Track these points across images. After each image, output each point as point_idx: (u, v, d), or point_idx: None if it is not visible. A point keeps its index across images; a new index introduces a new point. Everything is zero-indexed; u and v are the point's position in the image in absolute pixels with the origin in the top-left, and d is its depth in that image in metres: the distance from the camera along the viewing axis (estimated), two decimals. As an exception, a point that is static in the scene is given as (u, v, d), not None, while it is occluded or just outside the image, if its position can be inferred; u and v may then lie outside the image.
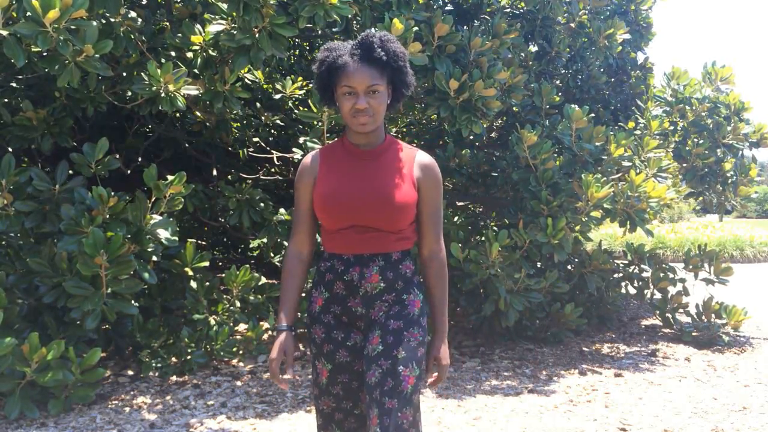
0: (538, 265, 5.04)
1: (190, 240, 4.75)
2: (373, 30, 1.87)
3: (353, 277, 1.83)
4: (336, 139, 1.93)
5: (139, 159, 5.03)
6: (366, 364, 1.81)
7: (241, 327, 4.89)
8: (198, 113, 4.46)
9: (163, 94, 3.54)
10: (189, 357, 4.10)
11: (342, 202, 1.81)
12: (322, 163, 1.88)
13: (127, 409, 3.53)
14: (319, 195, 1.84)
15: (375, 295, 1.84)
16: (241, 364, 4.39)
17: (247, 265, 4.44)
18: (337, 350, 1.88)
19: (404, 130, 6.69)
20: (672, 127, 5.82)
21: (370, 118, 1.77)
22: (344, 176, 1.84)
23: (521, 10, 5.75)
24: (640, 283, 5.67)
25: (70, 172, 3.80)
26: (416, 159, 1.88)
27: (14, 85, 4.20)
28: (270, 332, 5.11)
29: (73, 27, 2.99)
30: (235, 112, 4.32)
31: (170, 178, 3.65)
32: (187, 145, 5.28)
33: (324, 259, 1.91)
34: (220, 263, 7.05)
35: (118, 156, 3.95)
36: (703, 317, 5.35)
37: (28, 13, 2.83)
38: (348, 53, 1.77)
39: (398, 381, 1.74)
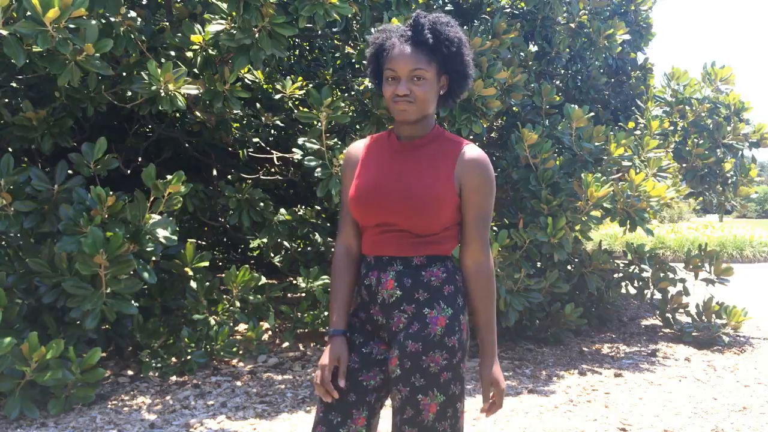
0: (538, 265, 5.04)
1: (190, 240, 4.75)
2: (423, 12, 1.67)
3: (372, 281, 1.67)
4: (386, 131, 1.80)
5: (139, 159, 5.03)
6: (390, 383, 1.66)
7: (241, 327, 4.88)
8: (198, 113, 4.46)
9: (163, 94, 3.54)
10: (189, 357, 4.10)
11: (365, 196, 1.66)
12: (364, 154, 1.73)
13: (127, 409, 3.53)
14: (355, 186, 1.69)
15: (392, 304, 1.65)
16: (241, 364, 4.39)
17: (247, 265, 4.44)
18: (349, 353, 1.68)
19: None
20: (672, 127, 5.83)
21: (411, 105, 1.59)
22: (377, 169, 1.67)
23: (521, 10, 5.76)
24: (640, 283, 5.67)
25: (70, 172, 3.80)
26: (461, 153, 1.64)
27: (14, 85, 4.20)
28: (269, 332, 5.11)
29: (72, 26, 2.99)
30: (235, 112, 4.32)
31: (169, 177, 3.65)
32: (187, 145, 5.28)
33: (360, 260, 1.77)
34: (220, 263, 7.05)
35: (117, 156, 3.95)
36: (703, 317, 5.35)
37: (28, 13, 2.83)
38: (398, 35, 1.63)
39: (417, 410, 1.59)
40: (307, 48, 6.67)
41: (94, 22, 3.10)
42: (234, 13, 3.58)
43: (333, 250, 1.75)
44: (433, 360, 1.59)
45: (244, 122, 5.33)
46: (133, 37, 3.74)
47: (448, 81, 1.67)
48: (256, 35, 3.57)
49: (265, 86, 5.29)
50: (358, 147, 1.76)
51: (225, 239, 7.21)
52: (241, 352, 4.33)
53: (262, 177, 5.42)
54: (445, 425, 1.62)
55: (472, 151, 1.65)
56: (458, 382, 1.63)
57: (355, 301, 1.74)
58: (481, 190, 1.64)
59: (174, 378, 4.06)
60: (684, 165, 5.80)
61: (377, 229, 1.65)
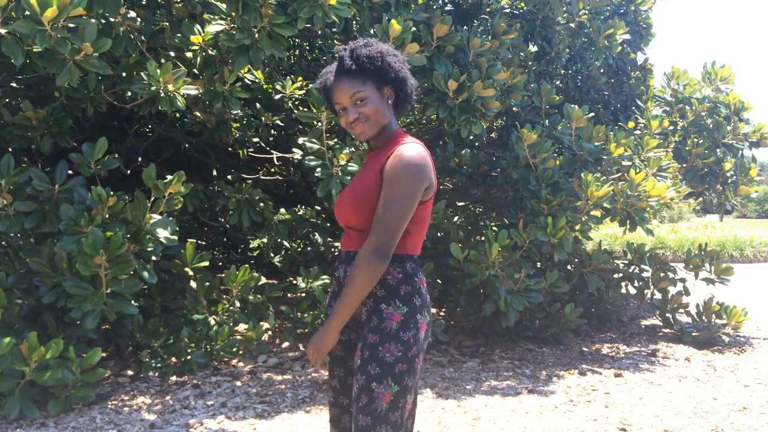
0: (538, 265, 5.04)
1: (190, 240, 4.75)
2: (356, 41, 1.83)
3: (340, 273, 1.87)
4: None
5: (139, 159, 5.03)
6: (352, 374, 1.83)
7: (241, 327, 4.89)
8: (198, 113, 4.46)
9: (162, 94, 3.54)
10: (189, 357, 4.10)
11: (336, 202, 1.90)
12: None
13: (127, 409, 3.53)
14: None
15: (362, 304, 1.79)
16: (241, 364, 4.39)
17: (247, 265, 4.44)
18: (337, 342, 1.87)
19: (404, 130, 6.69)
20: (672, 127, 5.83)
21: (365, 124, 1.78)
22: (353, 178, 1.94)
23: (521, 10, 5.75)
24: (640, 283, 5.67)
25: (70, 172, 3.80)
26: (393, 152, 1.77)
27: (14, 85, 4.20)
28: (269, 332, 5.11)
29: (71, 25, 2.99)
30: (234, 112, 4.32)
31: (169, 177, 3.65)
32: (187, 145, 5.28)
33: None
34: (220, 263, 7.06)
35: (117, 156, 3.95)
36: (703, 317, 5.35)
37: (27, 12, 2.83)
38: (331, 73, 1.85)
39: (371, 398, 1.69)
40: (307, 48, 6.67)
41: (93, 21, 3.10)
42: (233, 14, 3.59)
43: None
44: (388, 351, 1.71)
45: (244, 122, 5.33)
46: (132, 37, 3.74)
47: (392, 89, 1.83)
48: (256, 35, 3.57)
49: (265, 86, 5.29)
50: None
51: (225, 239, 7.21)
52: (241, 352, 4.33)
53: (262, 177, 5.42)
54: (396, 416, 1.71)
55: (400, 148, 1.76)
56: (412, 375, 1.73)
57: (332, 291, 1.93)
58: (390, 180, 1.72)
59: (174, 378, 4.06)
60: (684, 165, 5.80)
61: (345, 229, 1.87)
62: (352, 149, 4.27)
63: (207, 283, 4.34)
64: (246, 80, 4.76)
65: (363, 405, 1.70)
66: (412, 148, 1.75)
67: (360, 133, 1.80)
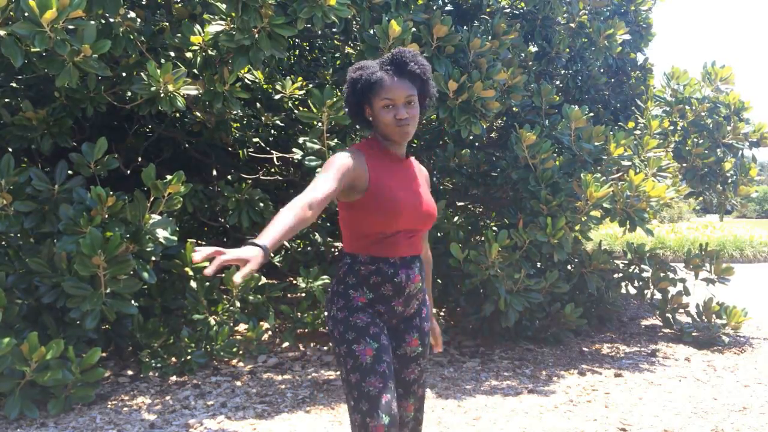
0: (538, 265, 5.04)
1: (189, 240, 4.75)
2: (402, 48, 1.97)
3: (402, 278, 1.93)
4: (365, 140, 2.02)
5: (139, 159, 5.03)
6: (403, 362, 2.01)
7: (241, 327, 4.89)
8: (198, 113, 4.46)
9: (162, 95, 3.54)
10: (189, 357, 4.10)
11: (401, 209, 1.90)
12: (369, 162, 1.91)
13: (127, 409, 3.53)
14: (382, 197, 1.88)
15: (413, 294, 1.99)
16: (241, 364, 4.39)
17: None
18: (381, 334, 1.91)
19: None
20: (672, 127, 5.83)
21: (410, 127, 1.90)
22: (397, 184, 1.94)
23: (521, 11, 5.75)
24: (640, 283, 5.67)
25: (70, 172, 3.80)
26: (422, 169, 2.12)
27: (14, 85, 4.20)
28: (269, 332, 5.12)
29: (71, 27, 2.99)
30: (234, 112, 4.32)
31: (169, 177, 3.65)
32: (186, 145, 5.28)
33: (364, 263, 1.92)
34: (220, 263, 7.04)
35: (117, 156, 3.95)
36: (703, 317, 5.35)
37: (26, 13, 2.83)
38: (380, 69, 1.91)
39: (425, 375, 2.09)
40: (307, 48, 6.67)
41: (92, 22, 3.10)
42: (233, 14, 3.59)
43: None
44: (428, 336, 2.10)
45: (244, 122, 5.33)
46: (132, 37, 3.74)
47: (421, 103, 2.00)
48: (256, 36, 3.57)
49: (265, 86, 5.30)
50: (358, 153, 1.90)
51: (225, 239, 7.20)
52: (241, 352, 4.34)
53: (261, 177, 5.42)
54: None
55: (421, 166, 2.14)
56: None
57: (365, 297, 1.94)
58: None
59: (174, 378, 4.06)
60: (684, 165, 5.80)
61: (402, 235, 1.93)
62: None
63: (207, 283, 4.34)
64: (246, 80, 4.76)
65: (424, 381, 2.07)
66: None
67: (405, 134, 1.91)
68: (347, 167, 1.82)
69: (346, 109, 2.02)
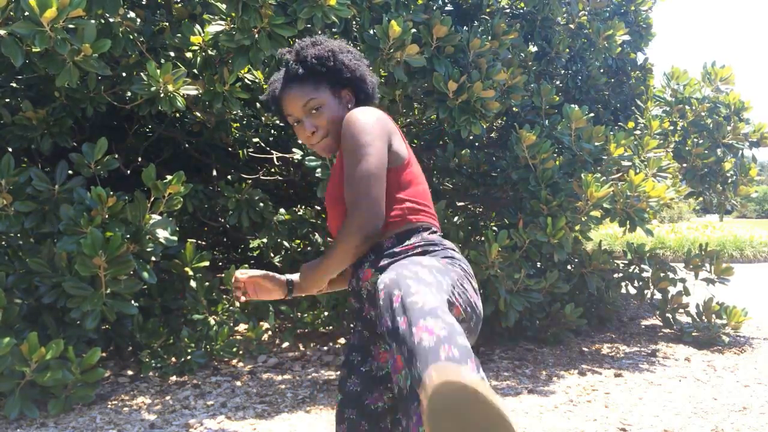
0: (538, 265, 5.04)
1: (189, 240, 4.75)
2: (302, 40, 1.61)
3: (353, 284, 1.56)
4: None
5: (139, 159, 5.03)
6: (367, 384, 1.53)
7: (241, 327, 4.89)
8: (198, 113, 4.46)
9: (162, 95, 3.54)
10: (189, 357, 4.10)
11: (328, 216, 1.65)
12: None
13: (127, 409, 3.53)
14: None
15: (373, 290, 1.50)
16: (241, 364, 4.39)
17: (247, 265, 4.44)
18: (348, 376, 1.54)
19: (404, 130, 6.70)
20: (672, 127, 5.83)
21: (325, 139, 1.56)
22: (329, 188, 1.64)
23: (521, 11, 5.75)
24: (640, 283, 5.67)
25: (70, 172, 3.80)
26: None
27: (14, 85, 4.20)
28: (269, 332, 5.12)
29: (71, 26, 2.99)
30: (234, 112, 4.32)
31: (169, 177, 3.65)
32: (186, 145, 5.28)
33: None
34: (220, 263, 7.05)
35: (117, 156, 3.95)
36: (703, 317, 5.35)
37: (26, 13, 2.83)
38: (279, 81, 1.60)
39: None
40: (307, 48, 6.66)
41: (92, 22, 3.10)
42: (233, 14, 3.59)
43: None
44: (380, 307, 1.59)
45: (244, 122, 5.33)
46: (132, 37, 3.74)
47: (352, 91, 1.61)
48: (256, 36, 3.57)
49: (264, 86, 5.30)
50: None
51: (225, 239, 7.21)
52: (241, 352, 4.34)
53: (261, 177, 5.42)
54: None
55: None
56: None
57: (353, 315, 1.62)
58: (346, 149, 1.48)
59: (174, 378, 4.06)
60: (684, 165, 5.80)
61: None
62: None
63: (207, 283, 4.34)
64: (246, 80, 4.75)
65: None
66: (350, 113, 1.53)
67: (323, 150, 1.57)
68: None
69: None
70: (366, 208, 1.41)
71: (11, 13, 2.98)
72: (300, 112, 1.54)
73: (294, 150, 4.38)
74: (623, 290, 5.87)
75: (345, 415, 1.50)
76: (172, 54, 4.08)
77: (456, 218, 5.35)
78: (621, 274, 5.71)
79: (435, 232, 1.55)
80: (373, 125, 1.46)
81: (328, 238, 5.36)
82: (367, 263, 1.51)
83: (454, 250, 1.54)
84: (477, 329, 1.46)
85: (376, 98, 1.68)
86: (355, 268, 1.55)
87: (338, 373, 1.61)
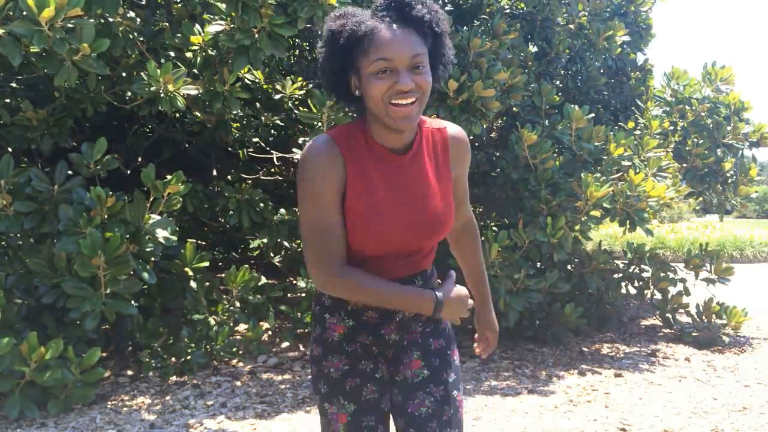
0: (538, 265, 5.03)
1: (189, 240, 4.75)
2: None
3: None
4: (349, 124, 1.42)
5: (139, 159, 5.03)
6: (406, 392, 1.49)
7: (241, 327, 4.89)
8: (198, 113, 4.46)
9: (162, 94, 3.54)
10: (189, 357, 4.10)
11: (386, 227, 1.38)
12: (349, 160, 1.36)
13: (127, 409, 3.53)
14: (356, 212, 1.36)
15: (412, 319, 1.53)
16: (241, 364, 4.39)
17: (247, 265, 4.44)
18: (364, 385, 1.49)
19: None
20: (672, 127, 5.83)
21: (416, 105, 1.29)
22: (388, 191, 1.39)
23: (521, 11, 5.76)
24: (640, 283, 5.67)
25: (69, 172, 3.80)
26: (449, 141, 1.47)
27: (14, 85, 4.20)
28: (269, 332, 5.11)
29: (69, 26, 2.98)
30: (234, 112, 4.32)
31: (169, 177, 3.65)
32: (186, 145, 5.28)
33: None
34: (220, 263, 7.05)
35: (117, 156, 3.95)
36: (704, 317, 5.35)
37: (24, 12, 2.83)
38: (374, 17, 1.29)
39: (456, 409, 1.49)
40: (307, 48, 6.67)
41: (91, 21, 3.10)
42: (233, 14, 3.58)
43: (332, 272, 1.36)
44: (455, 354, 1.59)
45: (244, 122, 5.33)
46: (132, 37, 3.74)
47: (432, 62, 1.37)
48: (256, 36, 3.57)
49: (264, 86, 5.30)
50: (334, 151, 1.35)
51: (225, 239, 7.20)
52: (241, 352, 4.33)
53: (262, 177, 5.42)
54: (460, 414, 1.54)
55: (453, 131, 1.50)
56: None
57: (344, 325, 1.51)
58: (466, 164, 1.55)
59: (174, 378, 4.06)
60: (684, 165, 5.80)
61: (393, 255, 1.44)
62: None
63: (207, 284, 4.34)
64: (246, 80, 4.76)
65: (448, 419, 1.47)
66: (459, 127, 1.53)
67: (406, 117, 1.28)
68: (328, 196, 1.34)
69: (323, 79, 1.37)
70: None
71: (9, 13, 2.97)
72: (404, 61, 1.25)
73: (294, 150, 4.37)
74: (623, 290, 5.86)
75: (363, 423, 1.48)
76: (172, 54, 4.08)
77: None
78: (621, 274, 5.71)
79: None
80: None
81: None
82: (421, 284, 1.53)
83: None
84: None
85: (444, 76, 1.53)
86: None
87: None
